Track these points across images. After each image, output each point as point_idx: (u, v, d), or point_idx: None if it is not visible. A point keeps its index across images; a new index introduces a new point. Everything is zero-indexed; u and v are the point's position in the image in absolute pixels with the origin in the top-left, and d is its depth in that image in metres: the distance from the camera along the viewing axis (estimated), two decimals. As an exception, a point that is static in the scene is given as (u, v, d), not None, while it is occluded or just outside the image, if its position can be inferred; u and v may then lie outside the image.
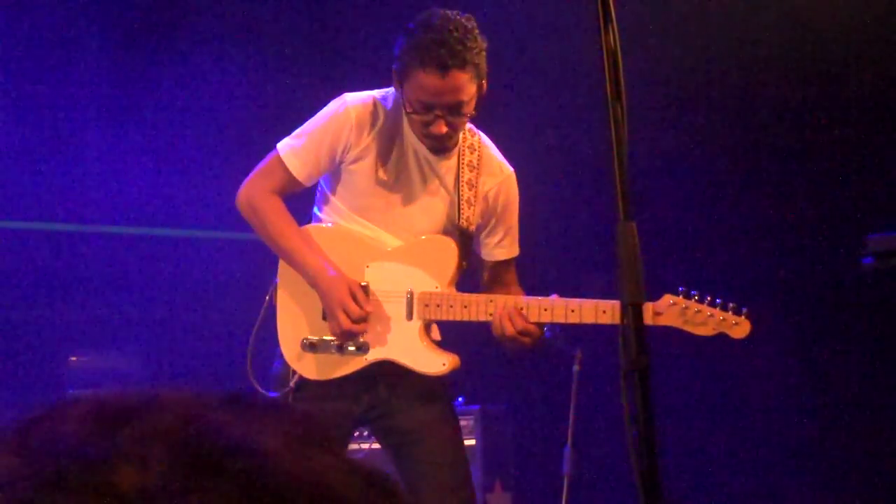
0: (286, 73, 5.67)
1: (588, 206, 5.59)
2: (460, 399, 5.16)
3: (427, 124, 3.19)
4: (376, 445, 4.61)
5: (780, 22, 5.42)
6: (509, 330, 3.22)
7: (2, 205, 5.71)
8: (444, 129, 3.19)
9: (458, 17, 3.18)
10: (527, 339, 3.26)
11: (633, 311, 1.89)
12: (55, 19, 5.70)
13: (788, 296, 5.56)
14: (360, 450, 4.86)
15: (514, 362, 5.94)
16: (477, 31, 3.19)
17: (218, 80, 5.87)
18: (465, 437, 4.96)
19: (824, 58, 5.40)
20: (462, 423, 4.87)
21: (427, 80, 3.13)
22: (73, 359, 5.60)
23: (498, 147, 3.50)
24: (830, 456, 5.48)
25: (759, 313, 5.43)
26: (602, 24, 1.84)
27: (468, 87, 3.15)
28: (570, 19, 5.03)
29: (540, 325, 3.29)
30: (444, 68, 3.11)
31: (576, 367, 5.11)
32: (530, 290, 3.47)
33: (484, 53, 3.19)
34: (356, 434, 4.49)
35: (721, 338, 5.60)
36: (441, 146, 3.27)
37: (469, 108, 3.19)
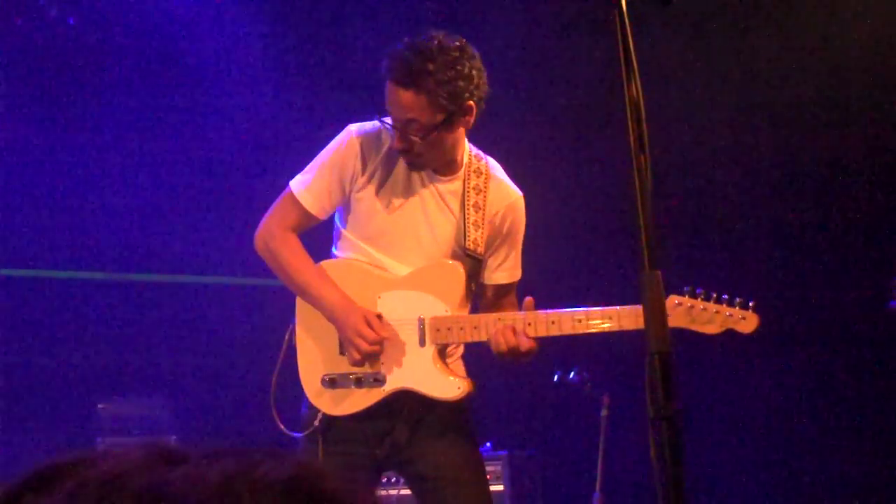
0: (307, 118, 5.72)
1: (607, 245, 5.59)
2: (488, 444, 5.15)
3: (394, 137, 3.24)
4: (405, 491, 4.60)
5: (811, 64, 5.44)
6: (502, 346, 3.21)
7: (31, 254, 5.77)
8: (398, 144, 3.22)
9: (447, 42, 3.18)
10: (521, 357, 3.24)
11: (659, 358, 1.89)
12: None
13: (812, 336, 5.53)
14: (390, 496, 4.85)
15: (542, 408, 5.93)
16: (465, 63, 3.17)
17: (242, 127, 5.93)
18: (493, 482, 4.95)
19: (861, 97, 5.41)
20: (490, 468, 4.87)
21: (387, 91, 3.22)
22: (101, 406, 5.62)
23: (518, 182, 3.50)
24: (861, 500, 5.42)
25: (782, 350, 5.46)
26: (625, 76, 1.86)
27: (422, 110, 3.16)
28: (595, 69, 5.06)
29: (540, 339, 3.26)
30: (396, 83, 3.18)
31: (604, 412, 5.09)
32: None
33: (462, 86, 3.17)
34: (384, 480, 4.49)
35: (748, 380, 5.60)
36: (409, 161, 3.29)
37: (429, 134, 3.19)
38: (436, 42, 3.18)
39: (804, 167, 5.63)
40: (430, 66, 3.14)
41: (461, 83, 3.17)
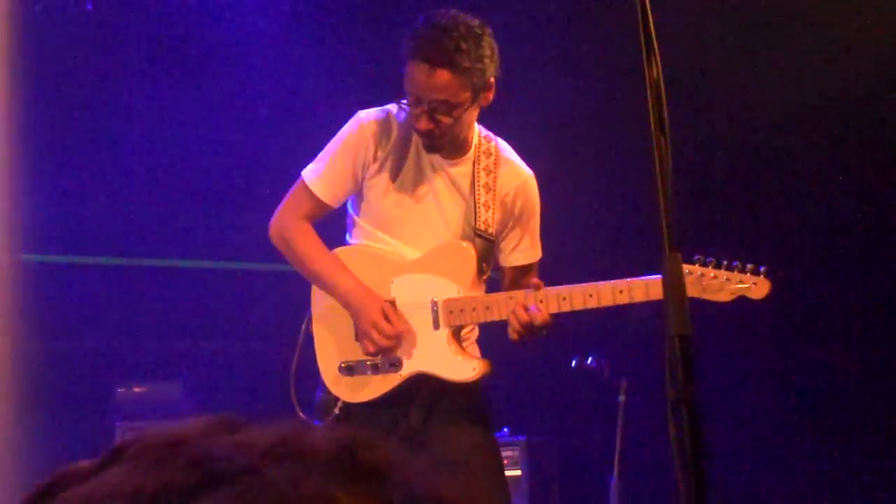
0: (326, 104, 5.71)
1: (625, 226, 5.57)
2: (505, 430, 5.14)
3: (416, 118, 3.21)
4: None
5: (831, 50, 5.41)
6: (517, 326, 3.19)
7: (49, 239, 5.78)
8: (425, 125, 3.20)
9: (469, 20, 3.18)
10: (537, 333, 3.21)
11: (679, 341, 1.88)
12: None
13: (829, 322, 5.51)
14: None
15: (559, 393, 5.93)
16: (487, 40, 3.18)
17: (261, 113, 5.94)
18: (510, 468, 4.94)
19: (881, 86, 5.38)
20: (507, 454, 4.86)
21: (415, 71, 3.17)
22: (121, 390, 5.65)
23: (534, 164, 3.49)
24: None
25: (801, 333, 5.45)
26: (645, 56, 1.85)
27: (455, 89, 3.16)
28: (615, 50, 5.03)
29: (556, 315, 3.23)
30: (429, 63, 3.14)
31: (621, 398, 5.08)
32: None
33: (487, 64, 3.18)
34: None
35: (767, 363, 5.58)
36: (430, 143, 3.28)
37: (458, 112, 3.19)
38: (460, 19, 3.18)
39: (822, 157, 5.59)
40: (464, 45, 3.14)
41: (487, 60, 3.18)
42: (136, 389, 5.66)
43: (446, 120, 3.20)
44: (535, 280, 3.27)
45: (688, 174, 5.41)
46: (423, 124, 3.20)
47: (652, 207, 1.92)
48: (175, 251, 5.98)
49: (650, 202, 1.93)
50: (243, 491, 0.68)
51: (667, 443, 1.94)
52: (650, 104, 1.83)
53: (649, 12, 1.86)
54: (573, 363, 5.21)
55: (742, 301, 3.12)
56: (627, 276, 3.19)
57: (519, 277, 3.44)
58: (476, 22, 3.20)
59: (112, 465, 0.73)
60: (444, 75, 3.15)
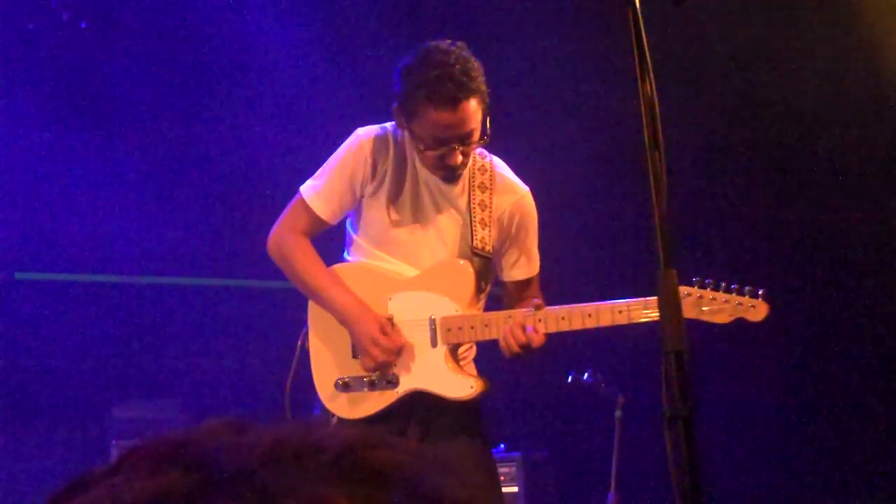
0: (322, 121, 5.73)
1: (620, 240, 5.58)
2: (502, 446, 5.14)
3: (442, 157, 3.23)
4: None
5: (821, 61, 5.43)
6: (513, 344, 3.19)
7: (42, 257, 5.78)
8: (460, 159, 3.24)
9: (453, 47, 3.23)
10: (531, 353, 3.22)
11: (675, 357, 1.88)
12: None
13: (826, 331, 5.51)
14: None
15: (556, 409, 5.92)
16: (472, 56, 3.24)
17: (256, 131, 5.95)
18: (507, 484, 4.93)
19: (868, 95, 5.39)
20: (504, 470, 4.86)
21: (439, 116, 3.17)
22: (117, 409, 5.64)
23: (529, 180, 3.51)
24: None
25: (795, 345, 5.45)
26: (640, 74, 1.85)
27: (477, 114, 3.21)
28: (609, 68, 5.05)
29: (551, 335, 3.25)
30: (454, 102, 3.15)
31: (618, 412, 5.07)
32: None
33: (483, 76, 3.23)
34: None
35: (762, 376, 5.58)
36: (454, 175, 3.31)
37: (478, 134, 3.24)
38: (452, 48, 3.21)
39: (814, 163, 5.61)
40: (470, 69, 3.18)
41: (484, 78, 3.22)
42: (133, 408, 5.65)
43: (473, 148, 3.25)
44: (536, 301, 3.28)
45: (691, 182, 5.43)
46: (457, 159, 3.22)
47: (648, 223, 1.93)
48: (173, 269, 5.98)
49: (647, 218, 1.94)
50: (241, 495, 0.68)
51: (664, 458, 1.95)
52: (644, 121, 1.84)
53: (643, 30, 1.87)
54: (570, 379, 5.21)
55: (741, 322, 3.13)
56: (625, 289, 3.21)
57: (519, 291, 3.45)
58: (457, 44, 3.25)
59: (118, 472, 0.73)
60: (469, 105, 3.18)
